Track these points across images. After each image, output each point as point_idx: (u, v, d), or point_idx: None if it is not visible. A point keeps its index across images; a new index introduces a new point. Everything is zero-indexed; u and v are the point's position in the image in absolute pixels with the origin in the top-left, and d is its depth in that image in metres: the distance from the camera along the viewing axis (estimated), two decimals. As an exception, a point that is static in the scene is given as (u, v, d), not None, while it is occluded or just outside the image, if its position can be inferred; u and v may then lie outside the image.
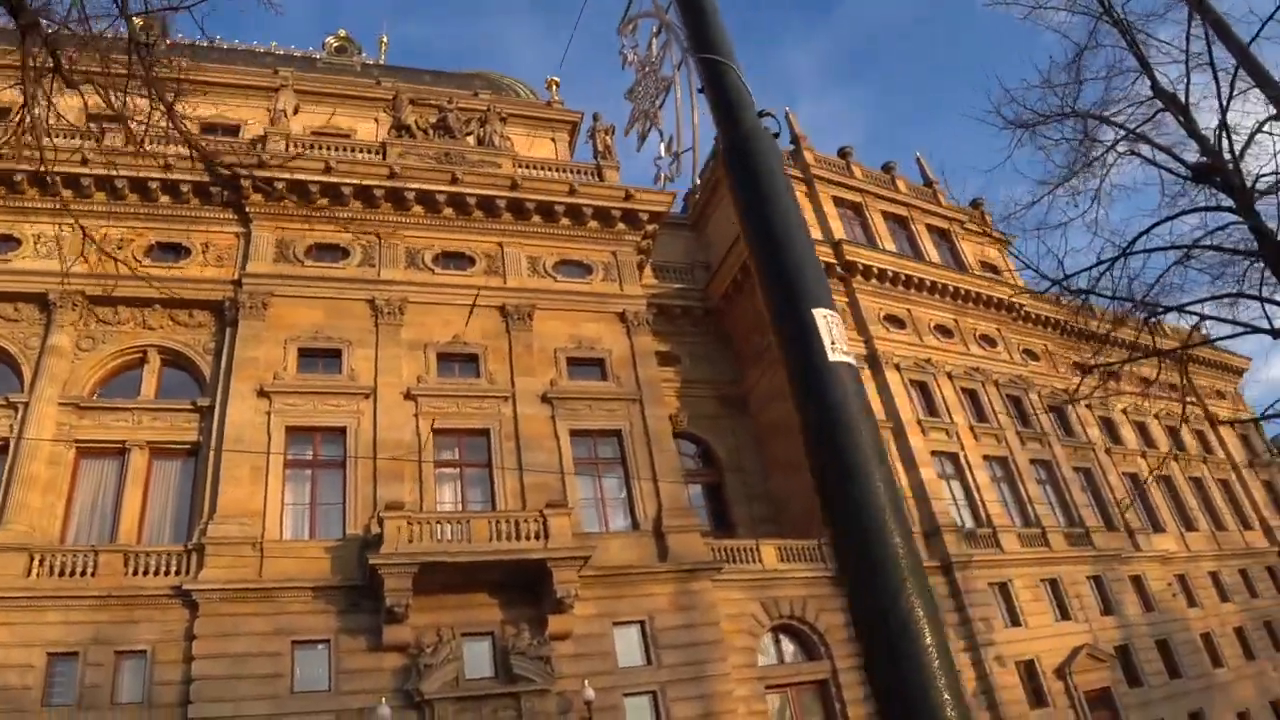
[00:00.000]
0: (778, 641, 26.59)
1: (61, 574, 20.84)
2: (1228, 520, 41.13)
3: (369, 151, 28.15)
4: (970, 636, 27.67)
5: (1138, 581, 33.34)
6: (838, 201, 35.35)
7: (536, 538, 22.42)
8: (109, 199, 25.26)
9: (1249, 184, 12.16)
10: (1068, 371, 36.91)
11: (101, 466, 23.28)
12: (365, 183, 26.66)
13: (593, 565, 23.76)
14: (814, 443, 3.67)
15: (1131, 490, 32.63)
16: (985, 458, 32.35)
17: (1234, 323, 13.34)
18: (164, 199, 25.61)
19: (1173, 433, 40.91)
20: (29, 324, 23.85)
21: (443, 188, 27.32)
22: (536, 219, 28.63)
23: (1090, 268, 13.26)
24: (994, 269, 39.24)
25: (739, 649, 25.12)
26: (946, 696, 2.73)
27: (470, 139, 29.92)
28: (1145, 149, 13.50)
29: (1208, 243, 13.05)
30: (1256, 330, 13.04)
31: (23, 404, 22.65)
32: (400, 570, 21.04)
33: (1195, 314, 13.89)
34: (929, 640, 2.93)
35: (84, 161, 24.63)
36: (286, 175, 25.90)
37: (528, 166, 29.61)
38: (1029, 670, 28.22)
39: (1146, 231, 13.01)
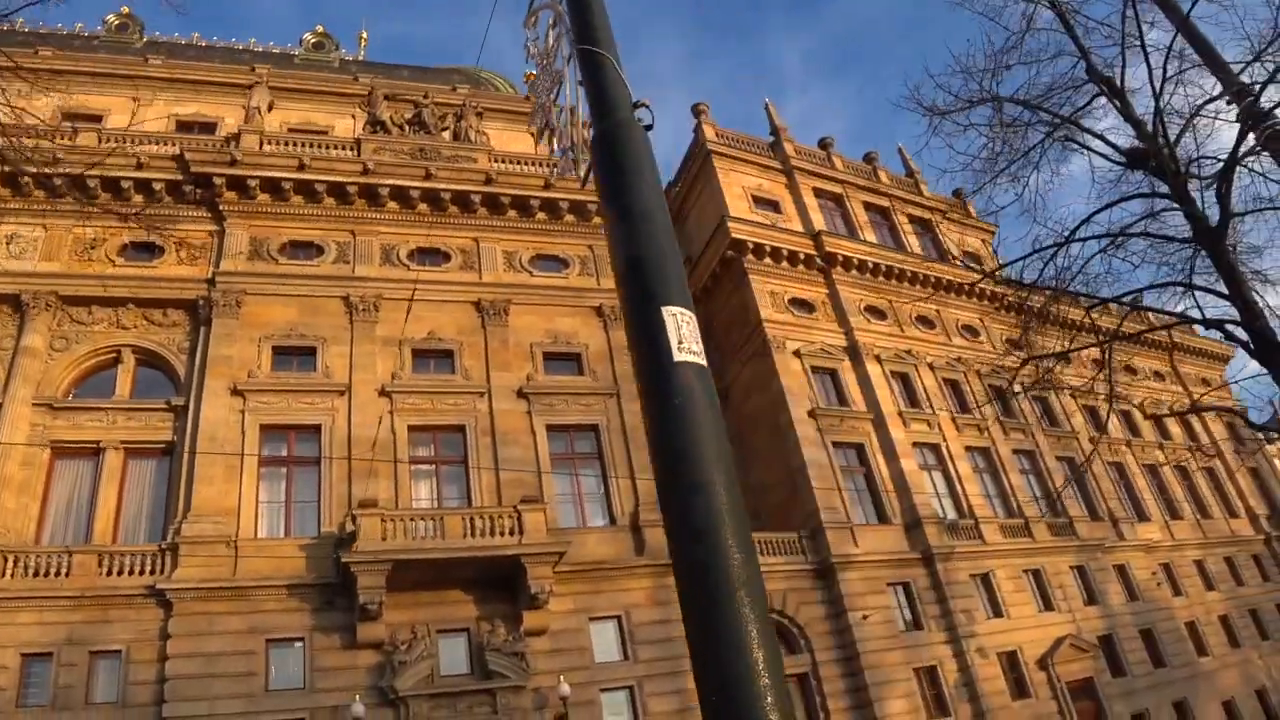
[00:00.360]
0: (758, 635, 26.55)
1: (35, 574, 20.79)
2: (1213, 508, 41.14)
3: (344, 148, 28.03)
4: (951, 628, 27.66)
5: (1122, 571, 33.36)
6: (818, 193, 35.25)
7: (511, 534, 22.39)
8: (83, 200, 25.13)
9: (1184, 169, 12.10)
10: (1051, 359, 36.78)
11: (76, 467, 23.18)
12: (338, 180, 26.56)
13: (569, 561, 23.75)
14: (655, 444, 3.63)
15: (1069, 477, 32.49)
16: (968, 448, 32.33)
17: (1162, 312, 13.37)
18: (137, 198, 25.50)
19: (1157, 421, 40.87)
20: (2, 325, 23.77)
21: (416, 184, 27.24)
22: (512, 214, 28.55)
23: (1024, 258, 13.24)
24: (976, 258, 39.12)
25: (718, 643, 25.09)
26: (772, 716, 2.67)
27: (446, 134, 29.83)
28: (1090, 137, 13.42)
29: (1140, 229, 12.99)
30: (1187, 320, 13.02)
31: (-6, 405, 22.61)
32: (373, 568, 21.01)
33: (1146, 307, 13.87)
34: (757, 655, 2.85)
35: (55, 160, 24.57)
36: (259, 173, 25.87)
37: (503, 161, 29.50)
38: (1011, 661, 28.22)
39: (1086, 220, 12.96)
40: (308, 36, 36.03)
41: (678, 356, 3.94)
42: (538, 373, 26.65)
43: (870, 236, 35.37)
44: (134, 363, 24.66)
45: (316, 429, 24.12)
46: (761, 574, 3.65)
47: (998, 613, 28.92)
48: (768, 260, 31.85)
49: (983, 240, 40.12)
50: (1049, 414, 37.13)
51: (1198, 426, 43.37)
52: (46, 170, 24.35)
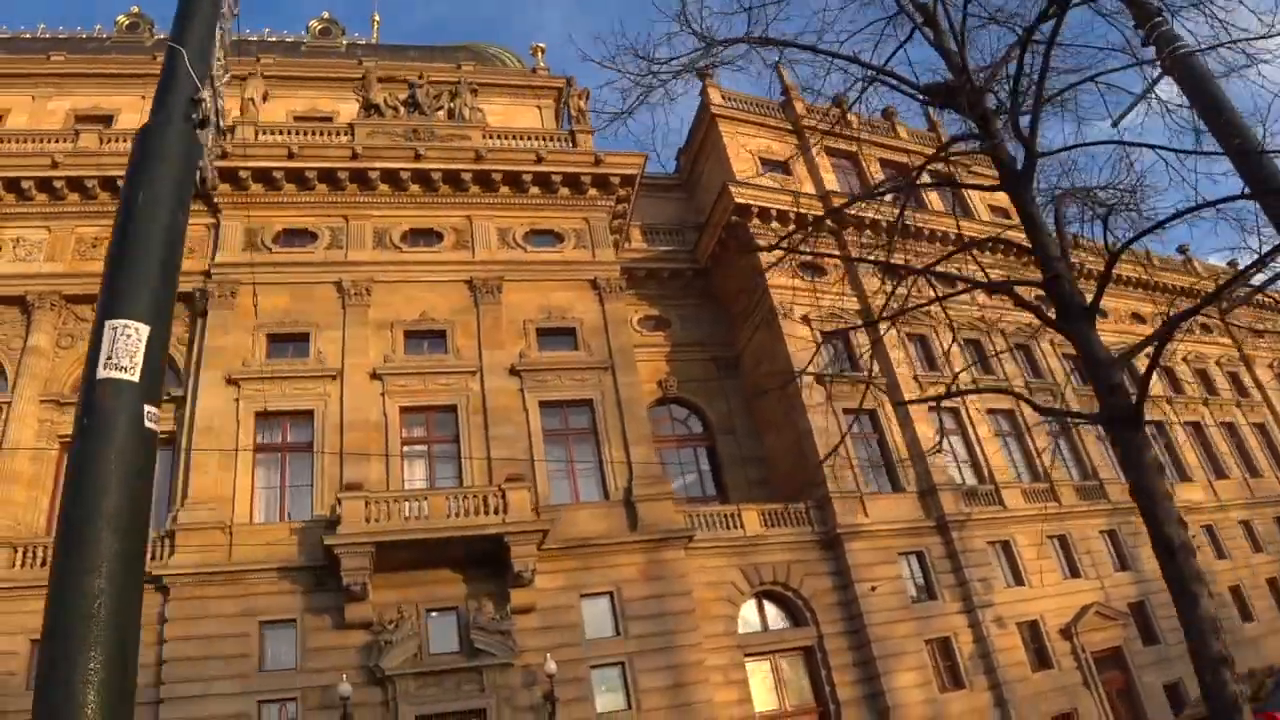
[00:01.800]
0: (761, 608, 26.22)
1: (43, 564, 21.77)
2: (1263, 466, 38.83)
3: (338, 133, 28.27)
4: (967, 598, 26.85)
5: (1159, 534, 31.77)
6: (831, 152, 34.14)
7: (496, 512, 22.48)
8: (82, 200, 25.91)
9: (994, 105, 11.26)
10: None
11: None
12: (328, 165, 26.79)
13: (560, 537, 23.78)
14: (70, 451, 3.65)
15: (1054, 437, 30.94)
16: (989, 411, 31.19)
17: (960, 278, 13.13)
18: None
19: (1202, 376, 38.68)
20: (11, 325, 24.76)
21: (406, 165, 27.30)
22: (505, 190, 28.41)
23: (856, 199, 12.87)
24: (1005, 212, 37.45)
25: (716, 617, 24.87)
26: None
27: (441, 114, 29.78)
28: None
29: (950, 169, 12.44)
30: (977, 285, 12.50)
31: (5, 403, 23.62)
32: (356, 550, 21.36)
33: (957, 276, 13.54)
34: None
35: (54, 165, 25.40)
36: (249, 164, 26.27)
37: (498, 137, 29.33)
38: (1032, 631, 27.30)
39: (921, 168, 12.43)
40: (313, 23, 36.39)
41: (101, 373, 3.74)
42: (531, 349, 26.59)
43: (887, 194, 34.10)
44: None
45: (310, 414, 24.55)
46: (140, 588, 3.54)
47: (1019, 581, 27.94)
48: (775, 224, 31.07)
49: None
50: (1080, 372, 35.46)
51: (1247, 380, 40.94)
52: (46, 174, 25.31)
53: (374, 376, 25.11)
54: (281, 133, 27.87)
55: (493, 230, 28.14)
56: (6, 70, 30.06)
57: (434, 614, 22.56)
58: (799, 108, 34.55)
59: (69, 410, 24.29)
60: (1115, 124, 9.52)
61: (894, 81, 12.22)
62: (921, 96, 12.08)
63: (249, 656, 21.19)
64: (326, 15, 36.40)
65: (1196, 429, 37.48)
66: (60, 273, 25.19)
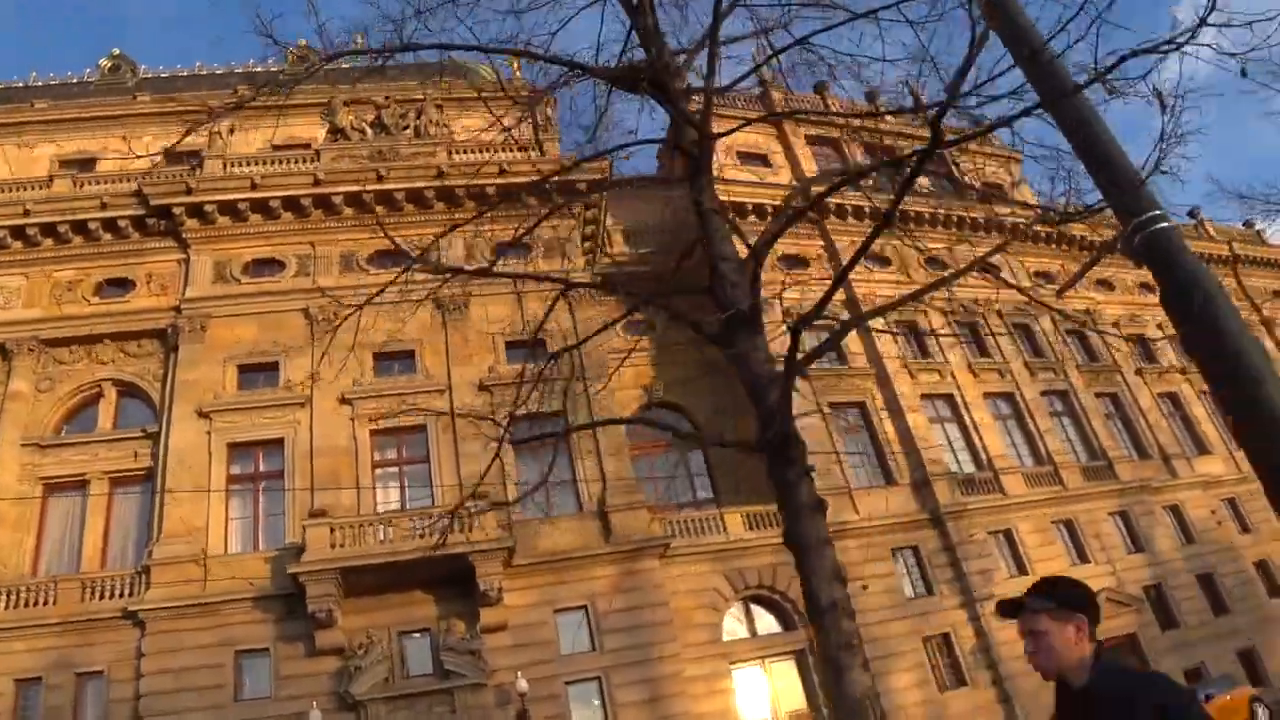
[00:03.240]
0: (749, 614, 25.67)
1: (26, 605, 22.29)
2: (1290, 434, 36.61)
3: (304, 161, 28.44)
4: (966, 591, 25.98)
5: (1175, 512, 30.44)
6: (811, 140, 33.38)
7: (464, 531, 22.35)
8: (56, 244, 26.46)
9: (686, 85, 10.53)
10: (1091, 289, 33.80)
11: (67, 500, 24.67)
12: (290, 193, 26.97)
13: (533, 552, 23.61)
14: None
15: (1058, 417, 29.57)
16: (986, 395, 30.14)
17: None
18: (106, 236, 26.65)
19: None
20: (-7, 363, 25.40)
21: (370, 187, 27.36)
22: (470, 205, 28.26)
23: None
24: (997, 188, 36.23)
25: (699, 625, 24.42)
26: None
27: (408, 132, 29.79)
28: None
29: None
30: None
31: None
32: (320, 577, 21.43)
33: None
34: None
35: (25, 213, 26.00)
36: (215, 198, 26.57)
37: (465, 151, 29.23)
38: (1037, 621, 26.23)
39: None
40: (292, 50, 36.37)
41: None
42: (500, 363, 26.44)
43: (871, 180, 33.14)
44: (115, 395, 25.92)
45: (281, 442, 24.73)
46: None
47: (1021, 570, 26.94)
48: (752, 218, 30.43)
49: (1001, 165, 37.03)
50: (1086, 348, 34.12)
51: (1269, 344, 38.86)
52: (19, 222, 25.91)
53: (343, 401, 25.18)
54: (252, 163, 28.13)
55: (459, 246, 27.99)
56: (-10, 120, 30.92)
57: (407, 637, 22.57)
58: (777, 96, 33.80)
59: (50, 452, 24.88)
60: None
61: (577, 71, 11.23)
62: (611, 84, 11.19)
63: (224, 687, 21.39)
64: (303, 43, 36.48)
65: (1212, 398, 35.62)
66: (38, 318, 25.73)
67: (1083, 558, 27.78)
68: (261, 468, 24.77)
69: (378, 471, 25.09)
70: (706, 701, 23.26)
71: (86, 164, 31.11)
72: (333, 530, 22.00)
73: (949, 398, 29.60)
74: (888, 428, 28.50)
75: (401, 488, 25.16)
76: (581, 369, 26.29)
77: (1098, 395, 32.20)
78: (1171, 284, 4.64)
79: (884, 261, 31.77)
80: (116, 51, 35.16)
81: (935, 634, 25.45)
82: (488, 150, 29.34)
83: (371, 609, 22.40)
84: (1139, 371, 34.33)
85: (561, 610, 23.29)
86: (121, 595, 22.50)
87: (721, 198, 29.79)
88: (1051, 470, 29.01)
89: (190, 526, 23.11)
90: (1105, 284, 36.39)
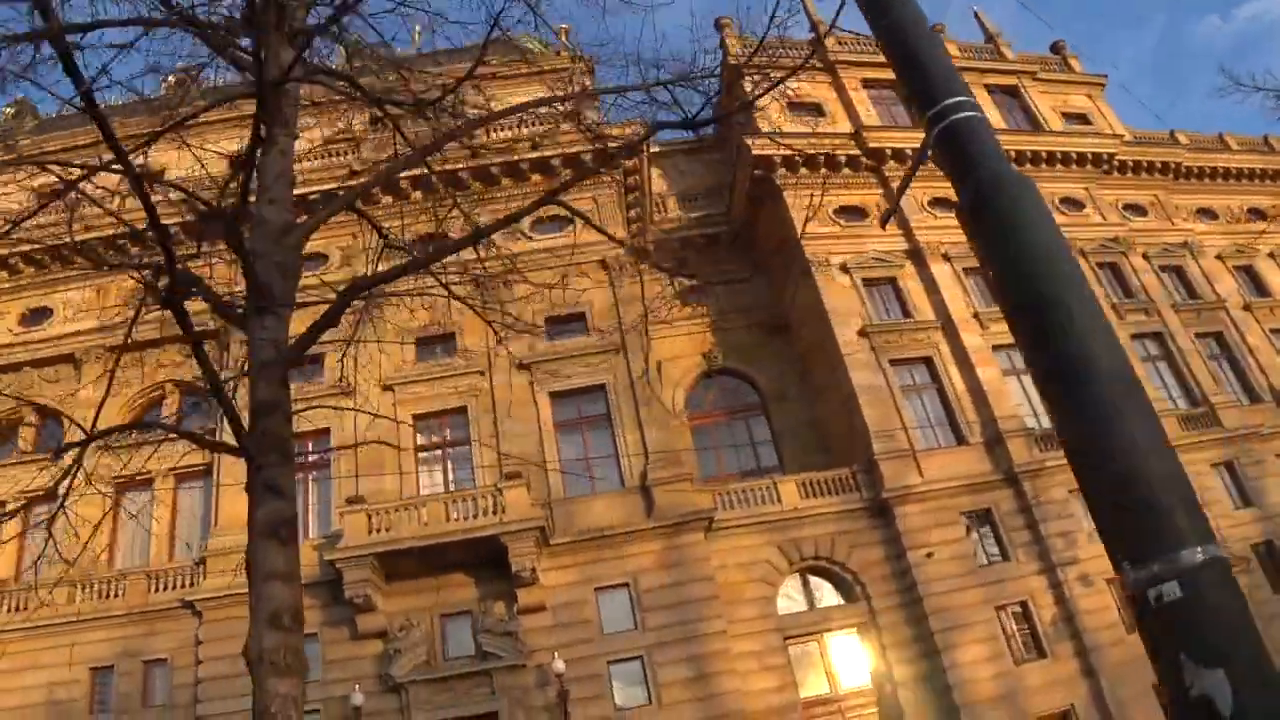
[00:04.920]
0: (806, 586, 24.48)
1: (100, 597, 23.57)
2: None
3: (345, 153, 28.79)
4: (1045, 556, 23.94)
5: (1293, 459, 27.18)
6: (869, 84, 31.33)
7: (494, 512, 22.16)
8: (119, 256, 27.69)
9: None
10: (1190, 220, 30.49)
11: (137, 498, 25.88)
12: (326, 187, 27.30)
13: (573, 530, 23.25)
14: None
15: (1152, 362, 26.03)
16: (1068, 342, 27.63)
17: None
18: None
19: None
20: (66, 381, 26.88)
21: (405, 173, 27.37)
22: (506, 182, 28.02)
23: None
24: (1082, 118, 33.11)
25: (750, 600, 23.45)
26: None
27: (445, 115, 29.67)
28: None
29: None
30: None
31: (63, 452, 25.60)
32: (356, 563, 21.64)
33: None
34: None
35: (87, 229, 27.28)
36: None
37: (502, 129, 28.93)
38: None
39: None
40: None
41: None
42: (539, 340, 26.02)
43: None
44: (178, 395, 27.02)
45: (327, 432, 25.13)
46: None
47: (1109, 531, 24.61)
48: (803, 171, 28.86)
49: (1089, 95, 33.80)
50: (1185, 285, 30.79)
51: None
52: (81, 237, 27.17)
53: (385, 388, 25.38)
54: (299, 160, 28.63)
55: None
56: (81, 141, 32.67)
57: (448, 619, 22.58)
58: (829, 43, 31.96)
59: (120, 454, 26.09)
60: None
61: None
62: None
63: (275, 672, 21.93)
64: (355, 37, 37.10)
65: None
66: (103, 326, 27.01)
67: (1182, 515, 25.17)
68: (310, 457, 25.28)
69: (421, 455, 25.19)
70: (758, 679, 22.32)
71: (156, 176, 32.45)
72: (370, 516, 22.18)
73: (1026, 347, 27.32)
74: (957, 383, 26.56)
75: (444, 470, 25.19)
76: (623, 342, 25.74)
77: (1198, 336, 29.04)
78: (967, 188, 3.61)
79: (950, 205, 29.43)
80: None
81: (1011, 602, 23.58)
82: (525, 125, 28.99)
83: (413, 592, 22.55)
84: (1247, 307, 30.71)
85: (603, 589, 22.79)
86: (181, 586, 23.48)
87: (769, 151, 28.71)
88: (1144, 420, 26.37)
89: (243, 519, 23.63)
90: (1207, 212, 32.75)
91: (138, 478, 25.69)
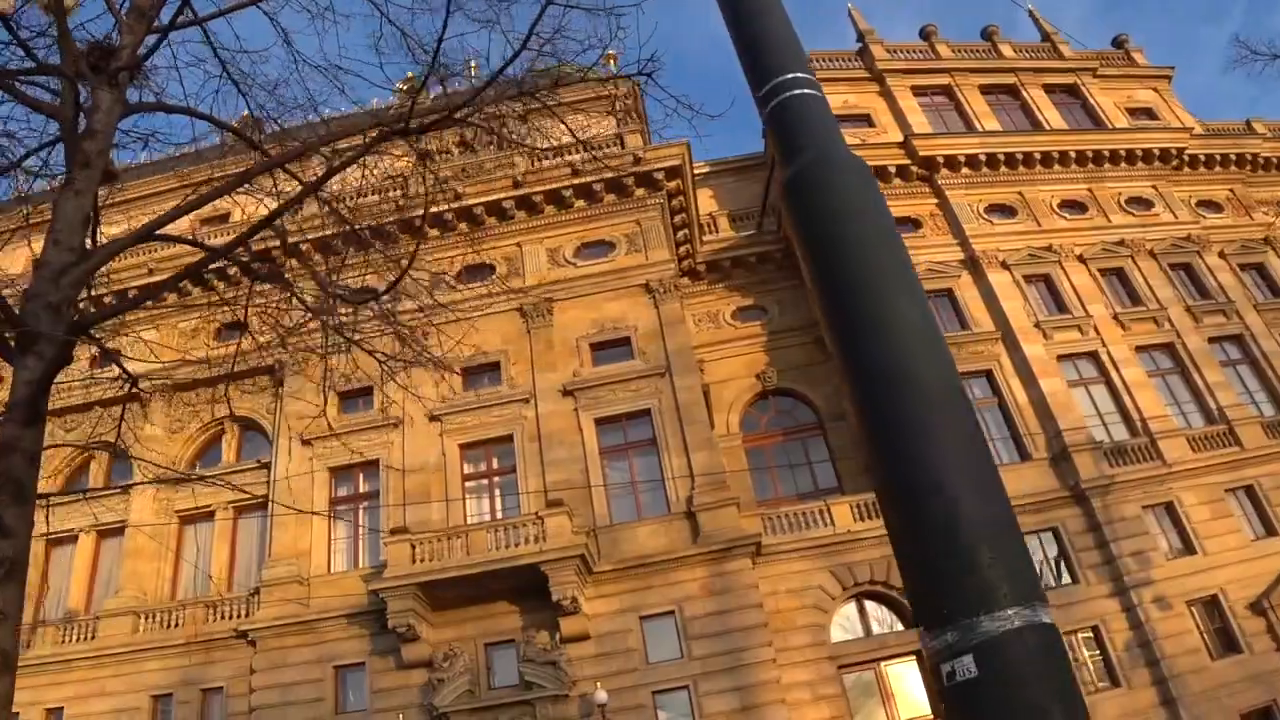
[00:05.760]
0: (863, 611, 23.58)
1: (162, 626, 24.26)
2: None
3: (391, 190, 29.21)
4: (1117, 577, 22.59)
5: (1402, 467, 25.03)
6: (919, 91, 30.37)
7: (535, 541, 21.99)
8: (178, 296, 28.66)
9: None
10: (1272, 213, 28.55)
11: (197, 530, 26.63)
12: (372, 223, 27.72)
13: (618, 557, 22.93)
14: None
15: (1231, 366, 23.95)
16: (1139, 349, 26.15)
17: None
18: (219, 284, 28.60)
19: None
20: (131, 419, 27.77)
21: (448, 205, 27.67)
22: (550, 210, 28.04)
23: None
24: (1148, 113, 31.44)
25: (801, 628, 22.69)
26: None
27: (492, 146, 29.98)
28: None
29: None
30: None
31: (130, 486, 26.56)
32: (400, 593, 21.72)
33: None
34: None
35: (149, 272, 28.38)
36: (310, 236, 27.83)
37: (545, 157, 29.03)
38: (1210, 609, 22.44)
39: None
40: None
41: None
42: (584, 366, 25.87)
43: (991, 123, 29.78)
44: (237, 430, 27.74)
45: (376, 464, 25.42)
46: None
47: (1188, 549, 23.15)
48: (852, 185, 28.10)
49: (1155, 89, 32.08)
50: (1268, 282, 28.80)
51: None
52: (142, 281, 28.30)
53: (432, 419, 25.52)
54: (343, 200, 29.24)
55: (542, 253, 27.84)
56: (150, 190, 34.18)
57: (494, 648, 22.47)
58: (877, 52, 31.21)
59: (182, 488, 26.94)
60: None
61: None
62: None
63: (324, 700, 22.25)
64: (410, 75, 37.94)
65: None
66: (167, 365, 27.92)
67: (1269, 530, 23.47)
68: (362, 489, 25.61)
69: (468, 484, 25.24)
70: (811, 709, 21.55)
71: (222, 219, 33.61)
72: (414, 546, 22.27)
73: (1092, 356, 25.94)
74: (1019, 396, 25.38)
75: (490, 499, 25.18)
76: (668, 365, 25.39)
77: (1287, 336, 27.24)
78: (789, 170, 3.27)
79: (1008, 211, 28.37)
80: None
81: (1080, 627, 22.28)
82: (567, 152, 29.01)
83: (459, 621, 22.54)
84: (1336, 302, 28.64)
85: (648, 617, 22.34)
86: (237, 616, 23.98)
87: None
88: (1225, 429, 24.70)
89: (295, 549, 24.21)
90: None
91: (199, 510, 26.86)
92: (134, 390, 9.91)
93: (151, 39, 8.59)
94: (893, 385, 2.65)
